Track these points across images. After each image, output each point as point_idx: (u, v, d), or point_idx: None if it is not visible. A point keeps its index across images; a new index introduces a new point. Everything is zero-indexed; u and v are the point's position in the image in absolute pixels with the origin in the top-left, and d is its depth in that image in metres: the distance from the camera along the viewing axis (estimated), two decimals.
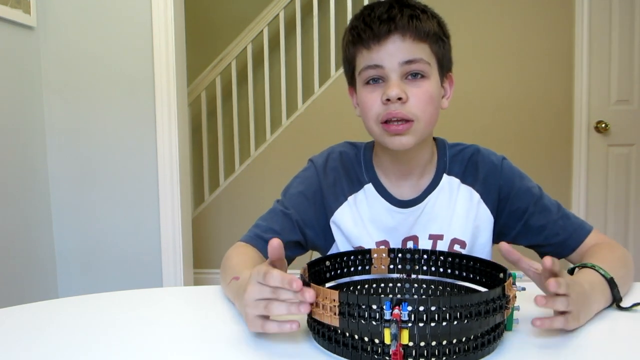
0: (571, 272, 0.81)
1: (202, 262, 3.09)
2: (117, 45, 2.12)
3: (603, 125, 2.86)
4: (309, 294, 0.59)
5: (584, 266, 0.80)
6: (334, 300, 0.59)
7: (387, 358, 0.57)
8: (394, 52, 0.84)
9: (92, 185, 2.16)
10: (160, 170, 2.15)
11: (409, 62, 0.84)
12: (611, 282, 0.76)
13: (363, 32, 0.86)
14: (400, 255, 0.82)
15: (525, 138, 2.95)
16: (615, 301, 0.77)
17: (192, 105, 3.16)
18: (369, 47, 0.85)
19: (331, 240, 0.98)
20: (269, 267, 0.64)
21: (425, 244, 0.94)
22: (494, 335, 0.62)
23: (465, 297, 0.57)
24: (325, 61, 3.19)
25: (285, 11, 3.10)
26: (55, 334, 0.71)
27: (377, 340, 0.58)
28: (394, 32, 0.84)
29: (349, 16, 3.04)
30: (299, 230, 0.95)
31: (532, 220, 0.94)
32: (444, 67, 0.90)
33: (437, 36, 0.87)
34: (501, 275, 0.71)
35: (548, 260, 0.64)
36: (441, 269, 0.80)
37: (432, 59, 0.87)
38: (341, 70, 2.97)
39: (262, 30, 3.10)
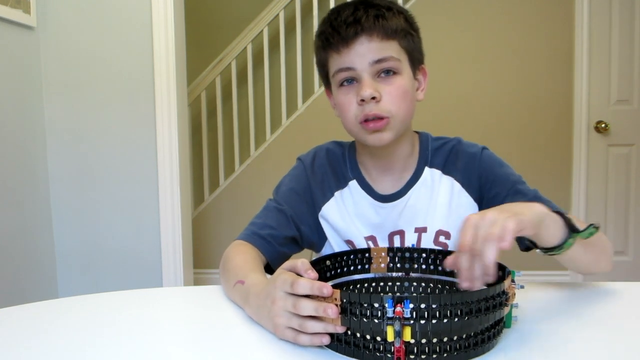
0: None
1: (202, 262, 3.09)
2: (117, 46, 2.12)
3: (603, 125, 2.86)
4: (332, 310, 0.59)
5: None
6: (336, 299, 0.59)
7: (389, 355, 0.58)
8: (363, 53, 0.85)
9: (92, 185, 2.17)
10: (160, 170, 2.15)
11: (378, 61, 0.85)
12: (562, 215, 0.73)
13: (331, 36, 0.87)
14: (399, 254, 0.83)
15: (525, 138, 2.95)
16: (569, 228, 0.73)
17: (192, 105, 3.16)
18: (338, 51, 0.87)
19: (324, 235, 0.99)
20: (295, 276, 0.64)
21: (411, 238, 0.95)
22: (493, 332, 0.62)
23: (465, 294, 0.57)
24: None
25: (285, 11, 3.10)
26: (55, 334, 0.71)
27: (379, 338, 0.58)
28: (361, 34, 0.85)
29: None
30: (294, 225, 0.96)
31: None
32: (415, 60, 0.91)
33: (404, 31, 0.88)
34: (500, 273, 0.71)
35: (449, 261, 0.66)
36: (439, 268, 0.81)
37: (402, 54, 0.88)
38: None
39: (262, 30, 3.10)
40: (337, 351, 0.63)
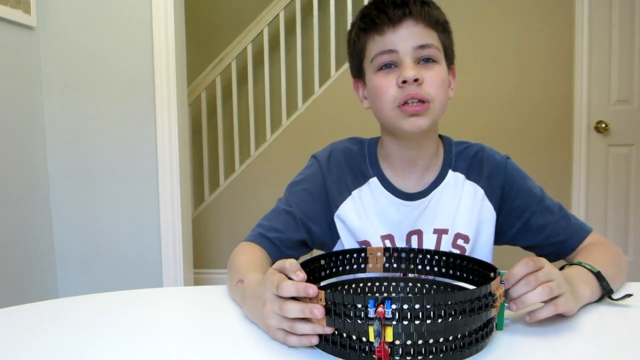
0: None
1: (202, 262, 3.10)
2: (117, 45, 2.12)
3: (603, 125, 2.86)
4: (318, 310, 0.59)
5: (570, 265, 0.81)
6: (321, 299, 0.60)
7: (374, 356, 0.58)
8: (407, 37, 0.86)
9: (92, 185, 2.17)
10: (160, 170, 2.15)
11: (422, 47, 0.86)
12: (598, 275, 0.77)
13: (377, 17, 0.87)
14: (395, 254, 0.83)
15: (525, 138, 2.95)
16: (606, 293, 0.77)
17: (192, 105, 3.17)
18: (382, 32, 0.87)
19: (337, 235, 0.99)
20: (283, 277, 0.64)
21: (429, 238, 0.95)
22: (481, 334, 0.62)
23: (449, 295, 0.57)
24: (325, 61, 3.19)
25: (285, 11, 3.10)
26: (55, 334, 0.71)
27: (364, 339, 0.59)
28: (408, 17, 0.86)
29: (349, 16, 3.04)
30: (303, 227, 0.96)
31: (533, 220, 0.95)
32: (449, 58, 0.92)
33: (443, 26, 0.90)
34: (492, 274, 0.71)
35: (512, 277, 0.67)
36: (435, 269, 0.81)
37: (441, 47, 0.89)
38: (341, 70, 3.00)
39: (262, 30, 3.10)
40: (325, 351, 0.63)
